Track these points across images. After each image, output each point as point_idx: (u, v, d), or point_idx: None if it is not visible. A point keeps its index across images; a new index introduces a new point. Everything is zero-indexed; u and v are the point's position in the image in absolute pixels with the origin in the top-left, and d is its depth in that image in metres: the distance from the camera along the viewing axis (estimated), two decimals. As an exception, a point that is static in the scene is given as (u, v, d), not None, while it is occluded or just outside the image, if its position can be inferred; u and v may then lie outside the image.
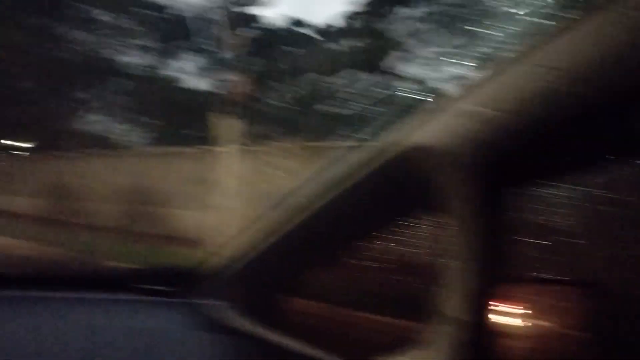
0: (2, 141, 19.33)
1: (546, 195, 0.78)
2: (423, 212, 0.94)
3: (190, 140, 13.30)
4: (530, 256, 0.80)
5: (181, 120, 16.98)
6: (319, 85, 16.43)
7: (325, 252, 1.14)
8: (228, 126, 9.93)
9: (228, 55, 10.63)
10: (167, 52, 18.80)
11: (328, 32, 16.73)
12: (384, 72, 15.11)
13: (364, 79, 16.06)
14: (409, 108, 0.86)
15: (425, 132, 0.84)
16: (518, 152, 0.73)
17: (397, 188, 0.93)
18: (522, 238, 0.78)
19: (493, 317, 0.73)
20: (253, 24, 15.29)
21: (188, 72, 18.64)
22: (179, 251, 8.58)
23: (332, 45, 16.66)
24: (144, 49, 18.75)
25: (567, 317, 0.71)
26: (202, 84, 17.73)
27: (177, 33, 18.05)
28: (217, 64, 15.37)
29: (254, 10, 14.90)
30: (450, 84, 0.81)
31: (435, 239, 0.83)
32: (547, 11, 0.77)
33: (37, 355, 1.18)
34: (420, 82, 14.24)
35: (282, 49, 16.44)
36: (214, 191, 10.07)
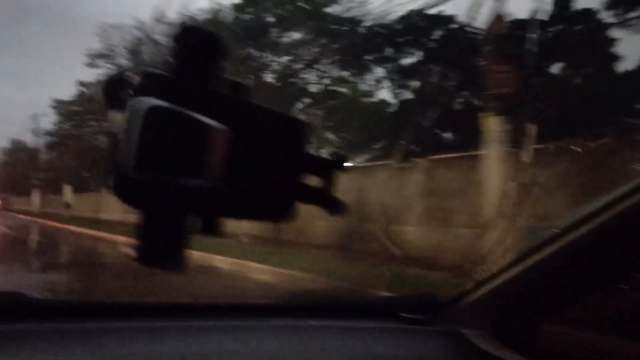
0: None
1: None
2: None
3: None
4: None
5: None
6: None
7: (597, 277, 1.07)
8: (491, 127, 8.80)
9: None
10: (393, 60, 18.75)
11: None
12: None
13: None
14: None
15: None
16: None
17: None
18: None
19: None
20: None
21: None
22: (422, 274, 8.25)
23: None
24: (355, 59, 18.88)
25: None
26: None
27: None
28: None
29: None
30: None
31: None
32: None
33: None
34: None
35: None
36: (455, 204, 9.55)
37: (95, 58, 27.94)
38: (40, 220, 29.42)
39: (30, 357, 1.11)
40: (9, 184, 51.45)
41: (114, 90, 0.75)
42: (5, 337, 1.17)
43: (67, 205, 34.01)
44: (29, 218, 33.32)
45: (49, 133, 42.07)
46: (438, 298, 1.50)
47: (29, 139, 46.90)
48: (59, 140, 40.64)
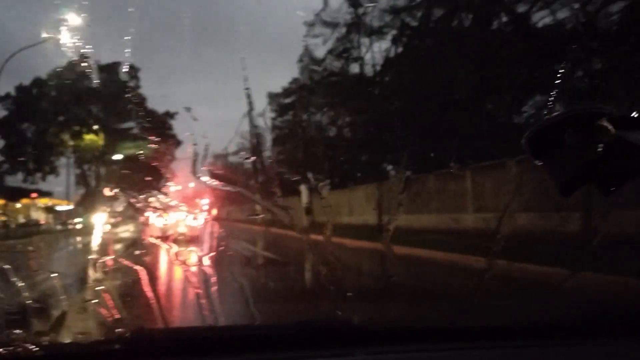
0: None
1: None
2: None
3: None
4: None
5: None
6: None
7: None
8: None
9: None
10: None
11: None
12: None
13: None
14: None
15: None
16: None
17: None
18: None
19: None
20: None
21: None
22: None
23: None
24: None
25: None
26: None
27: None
28: None
29: None
30: None
31: None
32: None
33: None
34: None
35: None
36: None
37: (312, 26, 26.45)
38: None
39: None
40: (225, 191, 45.33)
41: (540, 139, 0.80)
42: None
43: (308, 210, 25.62)
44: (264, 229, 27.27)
45: (270, 129, 37.76)
46: None
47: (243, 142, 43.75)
48: (279, 136, 38.09)
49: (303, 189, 27.73)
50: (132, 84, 52.55)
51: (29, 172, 51.93)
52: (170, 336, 1.77)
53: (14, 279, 3.55)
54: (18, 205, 48.63)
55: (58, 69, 49.58)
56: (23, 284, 3.59)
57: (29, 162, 51.85)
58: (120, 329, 2.16)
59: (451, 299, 6.50)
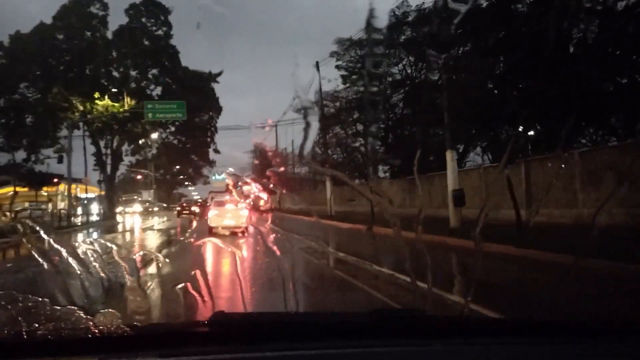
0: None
1: None
2: None
3: None
4: None
5: None
6: None
7: None
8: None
9: None
10: None
11: None
12: None
13: None
14: None
15: None
16: None
17: None
18: None
19: None
20: None
21: None
22: None
23: None
24: None
25: None
26: None
27: None
28: None
29: None
30: None
31: None
32: None
33: None
34: None
35: None
36: None
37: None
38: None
39: None
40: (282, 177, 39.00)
41: None
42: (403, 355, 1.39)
43: (458, 199, 17.97)
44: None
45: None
46: None
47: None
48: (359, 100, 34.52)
49: (450, 162, 18.59)
50: (161, 31, 46.35)
51: (30, 146, 43.70)
52: (250, 321, 1.89)
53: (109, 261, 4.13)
54: (44, 193, 45.35)
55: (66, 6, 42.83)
56: (123, 266, 4.06)
57: (28, 131, 43.46)
58: (202, 313, 2.63)
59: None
